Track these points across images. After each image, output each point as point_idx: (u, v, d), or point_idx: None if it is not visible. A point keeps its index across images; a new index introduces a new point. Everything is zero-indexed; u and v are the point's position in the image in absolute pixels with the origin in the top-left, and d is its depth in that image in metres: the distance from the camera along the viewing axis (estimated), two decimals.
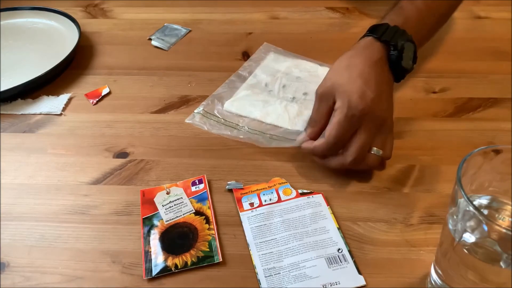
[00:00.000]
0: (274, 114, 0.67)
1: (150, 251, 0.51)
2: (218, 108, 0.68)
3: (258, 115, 0.67)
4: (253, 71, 0.75)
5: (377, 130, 0.56)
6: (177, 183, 0.59)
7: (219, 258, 0.50)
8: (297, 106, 0.68)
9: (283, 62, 0.77)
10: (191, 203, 0.56)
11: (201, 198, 0.57)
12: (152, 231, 0.53)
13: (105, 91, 0.74)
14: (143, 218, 0.55)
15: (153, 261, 0.50)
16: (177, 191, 0.58)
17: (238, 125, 0.66)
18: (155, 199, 0.57)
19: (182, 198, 0.57)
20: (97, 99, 0.72)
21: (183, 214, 0.55)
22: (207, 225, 0.54)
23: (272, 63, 0.77)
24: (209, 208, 0.56)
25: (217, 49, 0.83)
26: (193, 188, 0.58)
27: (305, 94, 0.70)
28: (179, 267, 0.50)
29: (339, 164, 0.57)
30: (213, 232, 0.53)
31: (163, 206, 0.56)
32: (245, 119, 0.67)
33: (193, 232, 0.53)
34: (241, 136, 0.64)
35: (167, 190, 0.58)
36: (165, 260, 0.50)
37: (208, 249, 0.51)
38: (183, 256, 0.51)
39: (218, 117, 0.67)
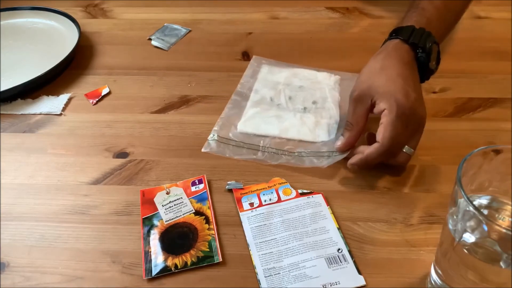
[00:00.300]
0: (293, 128, 0.65)
1: (150, 251, 0.51)
2: (233, 131, 0.65)
3: (276, 132, 0.65)
4: (253, 87, 0.72)
5: (414, 129, 0.57)
6: (177, 183, 0.59)
7: (219, 258, 0.50)
8: (312, 116, 0.67)
9: (279, 73, 0.75)
10: (191, 203, 0.56)
11: (201, 198, 0.57)
12: (152, 231, 0.53)
13: (105, 91, 0.74)
14: (143, 218, 0.55)
15: (153, 261, 0.50)
16: (177, 191, 0.58)
17: (259, 146, 0.63)
18: (155, 199, 0.57)
19: (182, 198, 0.57)
20: (97, 99, 0.72)
21: (183, 214, 0.55)
22: (207, 225, 0.54)
23: (269, 76, 0.74)
24: (209, 208, 0.56)
25: (217, 49, 0.83)
26: (193, 188, 0.58)
27: (314, 103, 0.69)
28: (179, 267, 0.50)
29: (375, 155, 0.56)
30: (213, 232, 0.53)
31: (163, 206, 0.56)
32: (265, 139, 0.64)
33: (193, 232, 0.53)
34: (272, 162, 0.61)
35: (167, 190, 0.58)
36: (165, 260, 0.50)
37: (208, 249, 0.51)
38: (183, 256, 0.51)
39: (236, 140, 0.64)
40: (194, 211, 0.55)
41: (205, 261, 0.50)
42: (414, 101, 0.56)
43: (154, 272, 0.49)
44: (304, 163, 0.60)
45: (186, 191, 0.58)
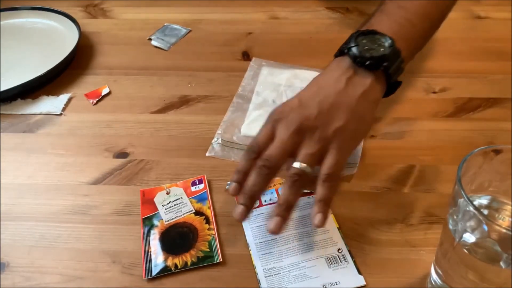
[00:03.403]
0: None
1: (150, 251, 0.51)
2: (237, 134, 0.64)
3: None
4: (254, 89, 0.72)
5: (303, 138, 0.50)
6: (177, 183, 0.59)
7: (219, 258, 0.50)
8: None
9: (279, 74, 0.74)
10: (191, 203, 0.56)
11: (201, 198, 0.57)
12: (152, 231, 0.53)
13: (105, 91, 0.74)
14: (143, 218, 0.55)
15: (153, 261, 0.50)
16: (177, 191, 0.58)
17: None
18: (155, 199, 0.57)
19: (182, 198, 0.57)
20: (97, 99, 0.72)
21: (183, 214, 0.55)
22: (207, 225, 0.54)
23: (269, 78, 0.74)
24: (209, 208, 0.56)
25: (217, 49, 0.83)
26: (193, 188, 0.58)
27: None
28: (179, 267, 0.50)
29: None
30: (213, 232, 0.53)
31: (163, 206, 0.56)
32: None
33: (193, 232, 0.53)
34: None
35: (167, 190, 0.58)
36: (165, 260, 0.50)
37: (208, 249, 0.51)
38: (183, 256, 0.51)
39: (240, 144, 0.63)
40: (194, 211, 0.55)
41: (205, 261, 0.50)
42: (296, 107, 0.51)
43: (154, 272, 0.49)
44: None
45: (186, 191, 0.58)
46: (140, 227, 0.54)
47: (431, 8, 0.61)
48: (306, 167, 0.49)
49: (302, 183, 0.49)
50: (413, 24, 0.58)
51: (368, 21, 0.59)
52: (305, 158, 0.49)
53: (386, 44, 0.53)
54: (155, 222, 0.54)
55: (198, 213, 0.55)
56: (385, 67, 0.52)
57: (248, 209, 0.49)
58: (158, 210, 0.55)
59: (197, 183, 0.58)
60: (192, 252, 0.51)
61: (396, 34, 0.54)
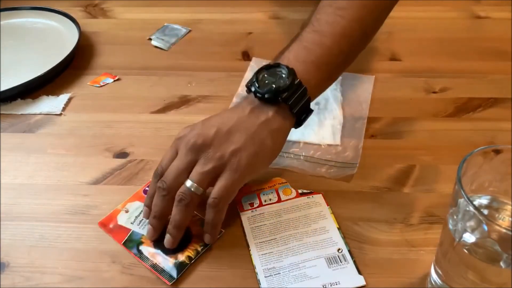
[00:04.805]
0: (297, 130, 0.64)
1: (156, 263, 0.50)
2: None
3: None
4: None
5: (198, 156, 0.50)
6: (128, 198, 0.56)
7: (220, 231, 0.52)
8: (316, 118, 0.66)
9: None
10: None
11: None
12: (142, 247, 0.51)
13: (108, 79, 0.75)
14: (124, 243, 0.52)
15: (165, 267, 0.49)
16: (135, 205, 0.55)
17: None
18: (119, 223, 0.54)
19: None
20: (103, 84, 0.74)
21: None
22: None
23: None
24: None
25: (217, 49, 0.83)
26: None
27: (317, 104, 0.68)
28: (193, 257, 0.50)
29: None
30: (198, 216, 0.53)
31: (132, 223, 0.54)
32: None
33: None
34: (277, 165, 0.60)
35: (125, 209, 0.55)
36: (176, 259, 0.50)
37: None
38: (191, 246, 0.51)
39: None
40: None
41: None
42: (192, 129, 0.52)
43: (175, 274, 0.49)
44: (309, 169, 0.60)
45: (143, 201, 0.55)
46: (128, 252, 0.51)
47: (350, 28, 0.58)
48: (196, 187, 0.49)
49: (192, 203, 0.50)
50: (326, 46, 0.56)
51: (283, 50, 0.58)
52: (197, 176, 0.49)
53: (284, 75, 0.53)
54: (137, 238, 0.52)
55: None
56: (283, 98, 0.52)
57: (155, 229, 0.51)
58: (131, 229, 0.53)
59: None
60: (194, 239, 0.52)
61: (304, 62, 0.55)
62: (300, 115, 0.54)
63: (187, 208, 0.50)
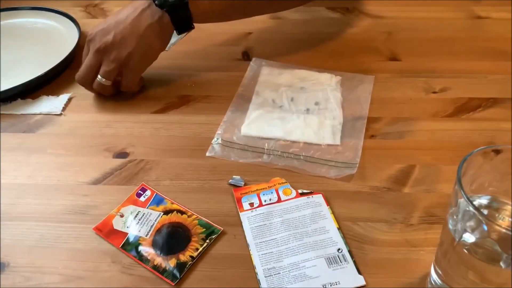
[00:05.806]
0: (297, 130, 0.64)
1: (157, 264, 0.50)
2: (237, 134, 0.64)
3: (281, 134, 0.64)
4: (254, 89, 0.72)
5: (102, 57, 0.67)
6: (121, 203, 0.56)
7: (219, 229, 0.52)
8: (316, 118, 0.66)
9: (279, 75, 0.74)
10: (153, 209, 0.55)
11: (157, 201, 0.56)
12: (141, 248, 0.52)
13: None
14: (121, 247, 0.52)
15: (168, 267, 0.50)
16: (129, 209, 0.56)
17: (264, 148, 0.62)
18: (115, 227, 0.54)
19: (139, 211, 0.55)
20: None
21: (155, 221, 0.54)
22: (185, 215, 0.54)
23: (269, 78, 0.74)
24: (172, 203, 0.56)
25: (217, 49, 0.83)
26: (142, 199, 0.57)
27: (317, 104, 0.69)
28: (195, 256, 0.50)
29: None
30: (194, 216, 0.54)
31: (128, 227, 0.54)
32: (269, 141, 0.63)
33: (179, 225, 0.53)
34: (278, 164, 0.60)
35: (119, 214, 0.55)
36: (178, 259, 0.50)
37: (204, 229, 0.52)
38: (191, 246, 0.51)
39: (240, 144, 0.63)
40: (162, 212, 0.55)
41: (212, 235, 0.52)
42: (96, 30, 0.67)
43: (178, 274, 0.49)
44: (310, 169, 0.60)
45: (136, 204, 0.56)
46: (127, 255, 0.51)
47: None
48: (105, 81, 0.68)
49: (106, 88, 0.70)
50: None
51: None
52: (104, 74, 0.68)
53: None
54: (135, 241, 0.52)
55: (167, 212, 0.55)
56: (167, 6, 0.65)
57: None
58: (128, 233, 0.53)
59: (142, 193, 0.57)
60: (194, 238, 0.52)
61: None
62: (180, 27, 0.68)
63: (102, 90, 0.71)
